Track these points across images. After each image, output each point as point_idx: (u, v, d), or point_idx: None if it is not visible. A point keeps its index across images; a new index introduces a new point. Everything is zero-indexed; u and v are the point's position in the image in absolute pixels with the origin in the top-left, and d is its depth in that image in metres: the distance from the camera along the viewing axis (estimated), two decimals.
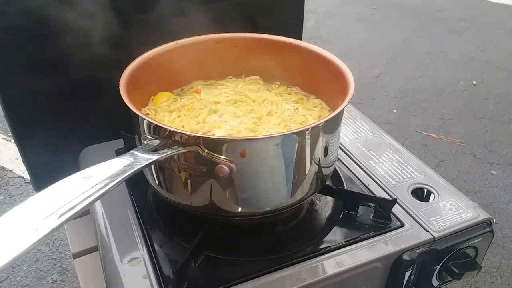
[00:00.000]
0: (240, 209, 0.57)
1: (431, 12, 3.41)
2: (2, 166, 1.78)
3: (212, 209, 0.57)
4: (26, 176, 1.72)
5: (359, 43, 3.02)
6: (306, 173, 0.57)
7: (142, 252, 0.59)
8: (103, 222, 0.64)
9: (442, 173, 1.94)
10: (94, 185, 0.38)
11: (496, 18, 3.32)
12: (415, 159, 0.76)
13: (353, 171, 0.73)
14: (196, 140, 0.50)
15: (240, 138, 0.54)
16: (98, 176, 0.39)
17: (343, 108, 0.56)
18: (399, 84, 2.61)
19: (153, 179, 0.60)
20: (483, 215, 0.66)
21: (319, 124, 0.54)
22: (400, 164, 0.75)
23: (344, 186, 0.70)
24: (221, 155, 0.51)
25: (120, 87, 0.58)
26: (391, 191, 0.69)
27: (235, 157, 0.51)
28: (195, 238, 0.58)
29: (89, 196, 0.37)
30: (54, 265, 1.34)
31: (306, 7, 0.95)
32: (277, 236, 0.64)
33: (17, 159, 1.81)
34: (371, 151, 0.78)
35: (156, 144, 0.49)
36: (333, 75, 0.66)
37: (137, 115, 0.53)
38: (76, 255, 0.71)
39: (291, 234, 0.64)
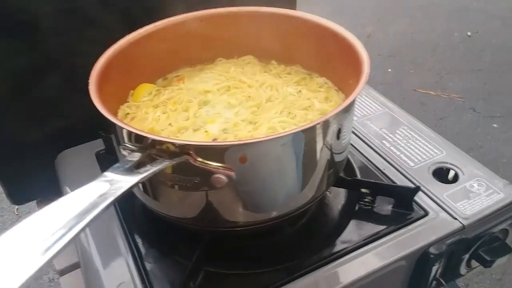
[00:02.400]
0: (242, 218, 0.49)
1: None
2: None
3: (209, 222, 0.49)
4: None
5: (348, 2, 2.89)
6: (318, 169, 0.49)
7: (131, 274, 0.51)
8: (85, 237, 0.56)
9: (442, 131, 1.87)
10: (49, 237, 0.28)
11: None
12: (433, 134, 0.68)
13: (365, 155, 0.65)
14: (186, 149, 0.42)
15: (238, 142, 0.45)
16: (52, 225, 0.30)
17: (358, 93, 0.47)
18: (392, 41, 2.50)
19: (138, 189, 0.52)
20: None
21: (331, 116, 0.45)
22: (417, 141, 0.67)
23: (357, 175, 0.62)
24: (217, 162, 0.42)
25: (90, 86, 0.48)
26: (410, 174, 0.62)
27: (234, 164, 0.43)
28: (193, 254, 0.50)
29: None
30: None
31: None
32: (286, 239, 0.57)
33: None
34: (383, 129, 0.69)
35: (137, 159, 0.40)
36: (340, 50, 0.57)
37: (113, 123, 0.44)
38: (62, 272, 0.63)
39: (301, 236, 0.57)
